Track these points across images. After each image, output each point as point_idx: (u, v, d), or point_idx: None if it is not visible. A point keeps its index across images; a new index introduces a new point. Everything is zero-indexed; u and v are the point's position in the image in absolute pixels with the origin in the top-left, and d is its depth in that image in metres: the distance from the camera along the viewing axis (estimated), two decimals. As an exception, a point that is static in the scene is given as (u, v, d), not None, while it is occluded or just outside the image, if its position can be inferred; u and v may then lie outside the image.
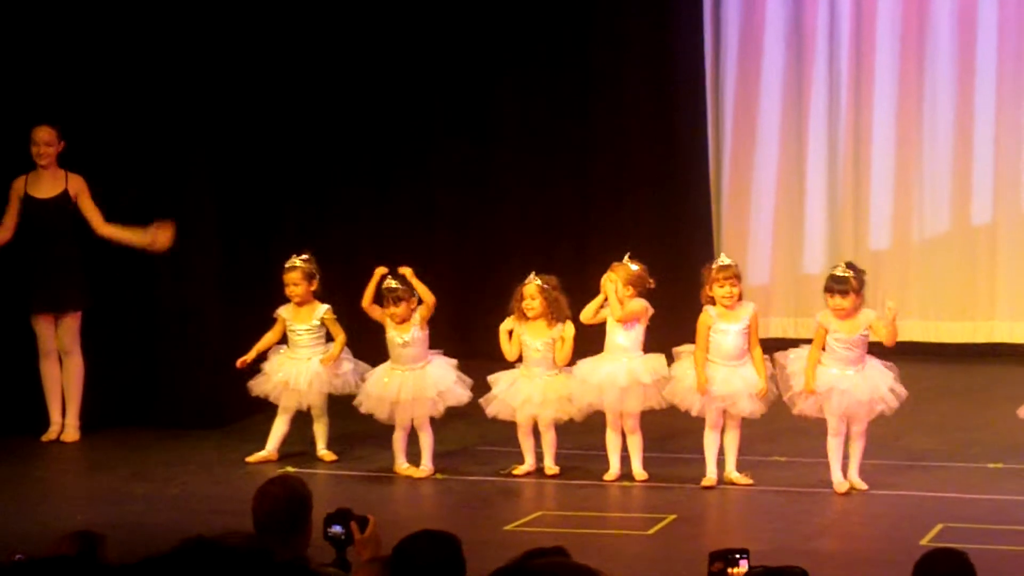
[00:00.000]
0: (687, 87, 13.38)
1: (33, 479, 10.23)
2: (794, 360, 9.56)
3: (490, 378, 10.00)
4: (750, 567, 5.23)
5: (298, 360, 10.26)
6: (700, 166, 13.49)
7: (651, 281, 9.81)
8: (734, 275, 9.66)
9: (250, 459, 10.31)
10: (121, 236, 10.87)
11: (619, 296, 9.69)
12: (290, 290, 10.27)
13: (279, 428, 10.34)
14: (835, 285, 9.47)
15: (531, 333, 9.90)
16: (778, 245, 13.75)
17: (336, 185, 12.65)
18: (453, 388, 9.93)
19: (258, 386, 10.33)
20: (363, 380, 10.14)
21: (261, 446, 10.44)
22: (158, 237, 10.78)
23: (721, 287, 9.60)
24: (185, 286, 11.27)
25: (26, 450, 10.75)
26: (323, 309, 10.26)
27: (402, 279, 9.91)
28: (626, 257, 9.83)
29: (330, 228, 12.36)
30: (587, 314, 9.78)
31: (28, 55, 11.09)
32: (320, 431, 10.34)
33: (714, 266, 9.69)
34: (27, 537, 7.61)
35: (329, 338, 10.27)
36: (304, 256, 10.32)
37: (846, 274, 9.48)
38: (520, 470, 10.01)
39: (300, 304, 10.28)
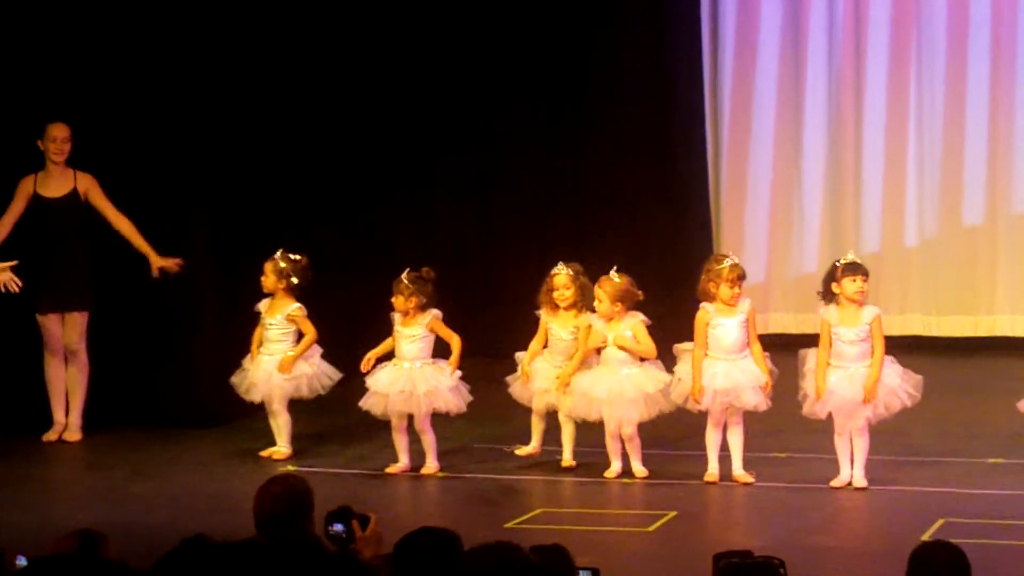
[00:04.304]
0: (685, 87, 13.39)
1: (35, 478, 10.23)
2: (812, 358, 9.49)
3: (517, 355, 9.99)
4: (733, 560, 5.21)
5: (262, 354, 10.30)
6: (698, 165, 13.49)
7: (639, 293, 9.78)
8: (743, 276, 9.62)
9: (263, 453, 10.33)
10: (133, 237, 10.83)
11: (610, 313, 9.67)
12: (262, 280, 10.32)
13: (272, 424, 10.35)
14: (858, 268, 9.39)
15: (559, 323, 9.91)
16: (775, 242, 13.76)
17: (334, 187, 12.61)
18: (444, 392, 9.88)
19: (239, 384, 10.37)
20: (323, 387, 10.20)
21: (260, 444, 10.46)
22: (167, 264, 10.77)
23: (731, 288, 9.56)
24: (183, 286, 11.24)
25: (28, 449, 10.75)
26: (293, 307, 10.27)
27: (417, 277, 9.89)
28: (612, 271, 9.79)
29: (328, 230, 12.34)
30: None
31: (32, 60, 11.08)
32: (276, 428, 10.31)
33: (724, 266, 9.59)
34: (28, 536, 7.60)
35: (300, 337, 10.30)
36: (293, 256, 10.30)
37: (859, 260, 9.48)
38: (523, 451, 10.03)
39: (273, 297, 10.32)
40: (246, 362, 10.38)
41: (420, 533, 5.13)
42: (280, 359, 10.23)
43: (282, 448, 10.32)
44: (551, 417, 10.01)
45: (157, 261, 10.82)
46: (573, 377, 9.78)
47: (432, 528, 5.18)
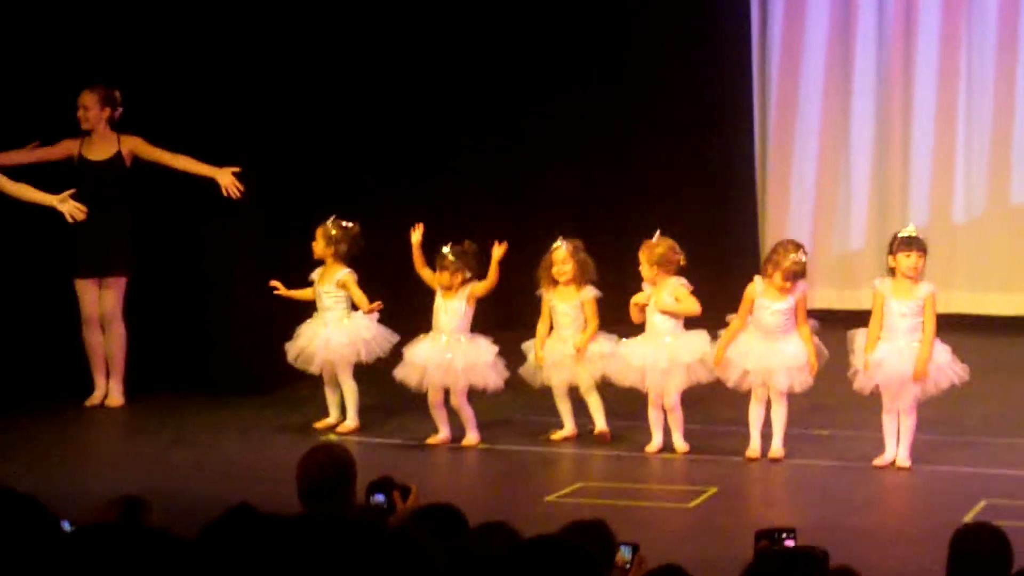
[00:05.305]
0: (732, 65, 13.37)
1: (76, 444, 10.28)
2: (862, 336, 9.40)
3: (524, 346, 10.01)
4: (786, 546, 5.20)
5: (320, 324, 10.29)
6: (745, 140, 13.45)
7: (680, 257, 9.71)
8: (800, 274, 9.46)
9: (317, 424, 10.34)
10: (197, 167, 10.83)
11: (651, 277, 9.65)
12: (313, 245, 10.32)
13: (331, 396, 10.38)
14: (913, 243, 9.27)
15: (560, 298, 9.91)
16: (821, 218, 13.71)
17: (376, 160, 12.60)
18: (482, 368, 9.88)
19: (290, 349, 10.38)
20: (383, 350, 10.17)
21: (303, 413, 10.50)
22: (224, 178, 10.79)
23: (784, 280, 9.43)
24: (228, 253, 11.29)
25: (70, 415, 10.80)
26: (343, 272, 10.27)
27: (460, 251, 9.90)
28: (656, 234, 9.76)
29: (371, 200, 12.33)
30: (635, 316, 9.76)
31: (84, 23, 11.10)
32: (346, 398, 10.32)
33: (789, 259, 9.41)
34: (71, 502, 7.63)
35: (355, 306, 10.30)
36: (345, 223, 10.30)
37: (918, 234, 9.37)
38: (559, 435, 10.02)
39: (323, 264, 10.31)
40: (302, 328, 10.37)
41: (426, 511, 5.13)
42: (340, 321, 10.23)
43: (350, 422, 10.29)
44: (573, 393, 10.01)
45: (226, 178, 10.78)
46: (618, 343, 9.76)
47: (437, 505, 5.17)
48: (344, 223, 10.31)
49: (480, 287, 9.90)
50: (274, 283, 10.35)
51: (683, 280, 9.69)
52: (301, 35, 11.76)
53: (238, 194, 10.79)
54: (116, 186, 10.89)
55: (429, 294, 10.04)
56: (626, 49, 13.42)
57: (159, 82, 11.18)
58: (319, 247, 10.32)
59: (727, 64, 13.37)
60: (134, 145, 10.92)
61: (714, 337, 9.66)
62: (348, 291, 10.26)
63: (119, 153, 10.93)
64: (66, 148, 10.92)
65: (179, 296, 11.37)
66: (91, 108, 10.88)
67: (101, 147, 10.93)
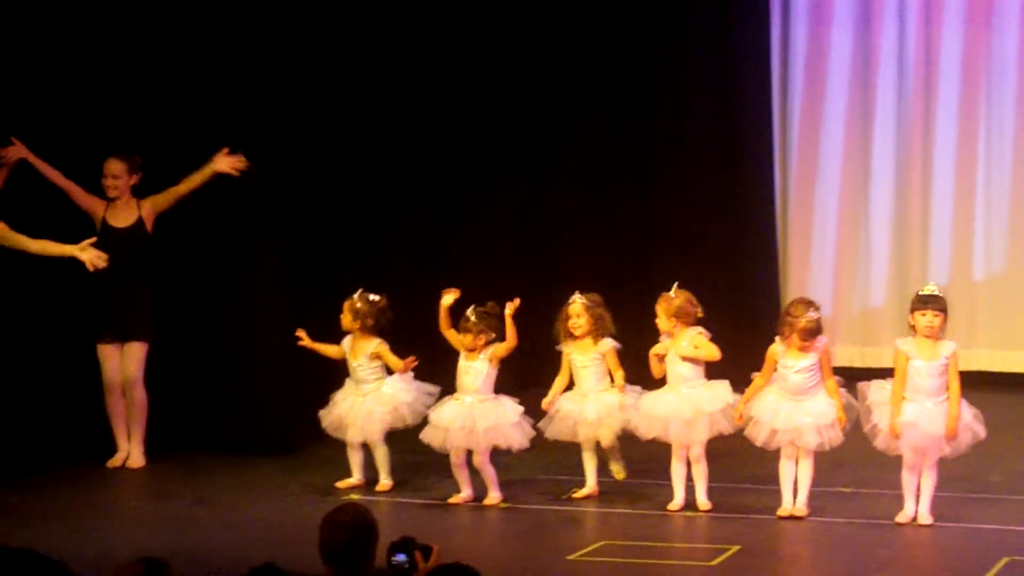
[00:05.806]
0: (753, 117, 13.41)
1: (98, 505, 10.28)
2: (876, 389, 9.40)
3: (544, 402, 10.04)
4: None
5: (357, 395, 10.30)
6: (766, 196, 13.48)
7: (698, 310, 9.73)
8: (816, 332, 9.44)
9: (339, 484, 10.34)
10: (198, 176, 10.86)
11: (669, 329, 9.68)
12: (340, 317, 10.33)
13: (354, 457, 10.38)
14: (929, 302, 9.26)
15: (578, 351, 9.94)
16: (841, 275, 13.72)
17: (399, 217, 12.65)
18: (506, 428, 9.88)
19: (324, 417, 10.38)
20: (427, 406, 10.16)
21: (325, 473, 10.49)
22: (222, 163, 10.84)
23: (802, 340, 9.40)
24: (250, 312, 11.32)
25: (92, 476, 10.82)
26: (375, 344, 10.27)
27: (483, 312, 9.93)
28: (674, 287, 9.79)
29: (394, 257, 12.39)
30: (655, 371, 9.79)
31: (95, 83, 11.17)
32: (378, 460, 10.35)
33: (802, 320, 9.40)
34: (94, 563, 7.66)
35: (390, 372, 10.31)
36: (372, 297, 10.28)
37: (938, 292, 9.37)
38: (581, 493, 10.02)
39: (354, 336, 10.31)
40: (337, 396, 10.38)
41: (442, 570, 5.14)
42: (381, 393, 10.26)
43: (385, 481, 10.30)
44: (600, 449, 10.02)
45: (222, 164, 10.85)
46: (641, 398, 9.79)
47: (454, 564, 5.18)
48: (371, 297, 10.28)
49: (501, 348, 9.93)
50: (300, 332, 10.35)
51: (701, 329, 9.72)
52: (326, 98, 11.83)
53: (244, 165, 10.83)
54: (139, 252, 10.94)
55: (454, 355, 10.05)
56: (648, 113, 13.46)
57: (178, 146, 11.24)
58: (346, 320, 10.31)
59: (747, 127, 13.41)
60: (152, 205, 10.98)
61: (737, 393, 9.66)
62: (383, 360, 10.26)
63: (140, 219, 10.98)
64: (92, 204, 10.97)
65: (202, 356, 11.40)
66: (120, 177, 10.94)
67: (124, 214, 10.99)
